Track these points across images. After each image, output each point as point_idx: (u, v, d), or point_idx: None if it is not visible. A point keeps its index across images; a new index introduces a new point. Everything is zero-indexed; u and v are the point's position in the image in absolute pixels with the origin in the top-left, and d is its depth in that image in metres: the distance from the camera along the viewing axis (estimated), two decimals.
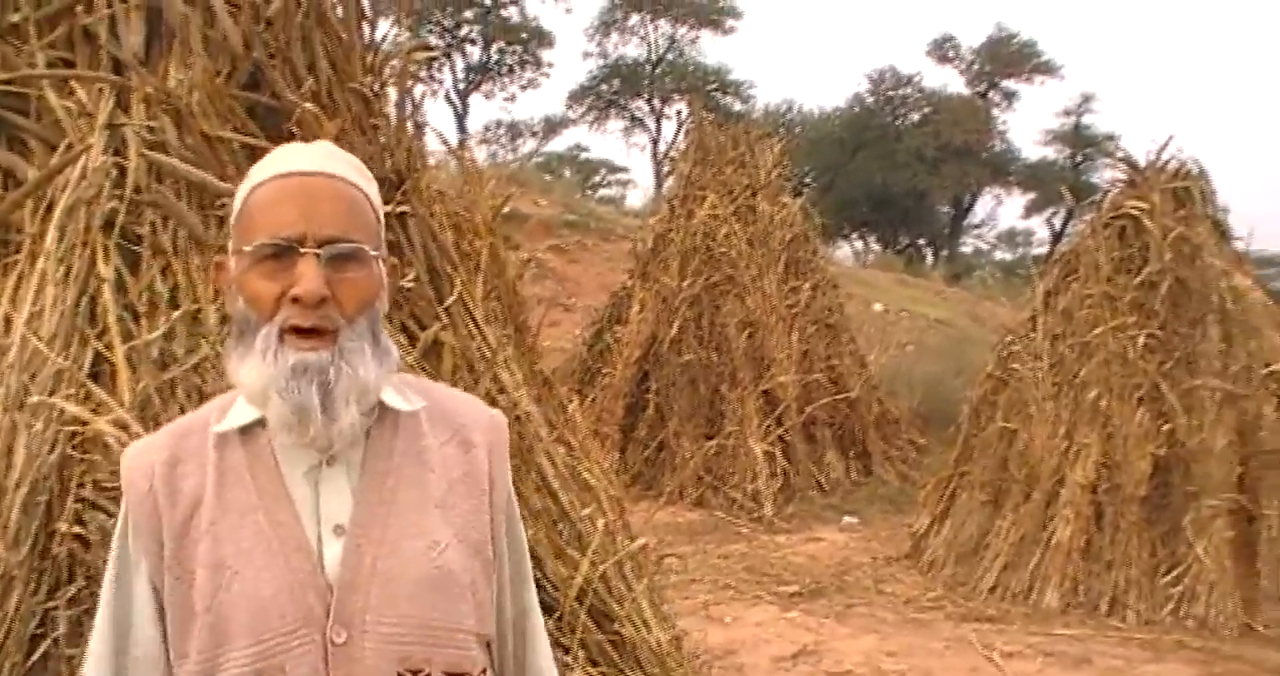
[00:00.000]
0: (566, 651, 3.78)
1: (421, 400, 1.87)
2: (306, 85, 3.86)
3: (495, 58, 46.40)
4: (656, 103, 48.42)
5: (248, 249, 1.72)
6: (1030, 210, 49.28)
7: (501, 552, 1.90)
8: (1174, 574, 9.18)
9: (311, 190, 1.73)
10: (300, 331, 1.69)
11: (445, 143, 4.93)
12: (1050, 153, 48.34)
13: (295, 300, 1.68)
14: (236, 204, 1.81)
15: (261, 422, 1.77)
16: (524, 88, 47.23)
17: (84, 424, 3.17)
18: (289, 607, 1.68)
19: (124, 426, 3.10)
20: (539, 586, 3.66)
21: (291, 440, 1.72)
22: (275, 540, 1.71)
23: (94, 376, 3.28)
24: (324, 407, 1.68)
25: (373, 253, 1.76)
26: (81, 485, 3.16)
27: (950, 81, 55.12)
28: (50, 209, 3.45)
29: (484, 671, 1.82)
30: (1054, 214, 46.56)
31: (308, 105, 3.77)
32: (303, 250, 1.69)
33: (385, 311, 1.83)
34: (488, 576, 1.84)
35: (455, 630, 1.76)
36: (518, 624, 1.96)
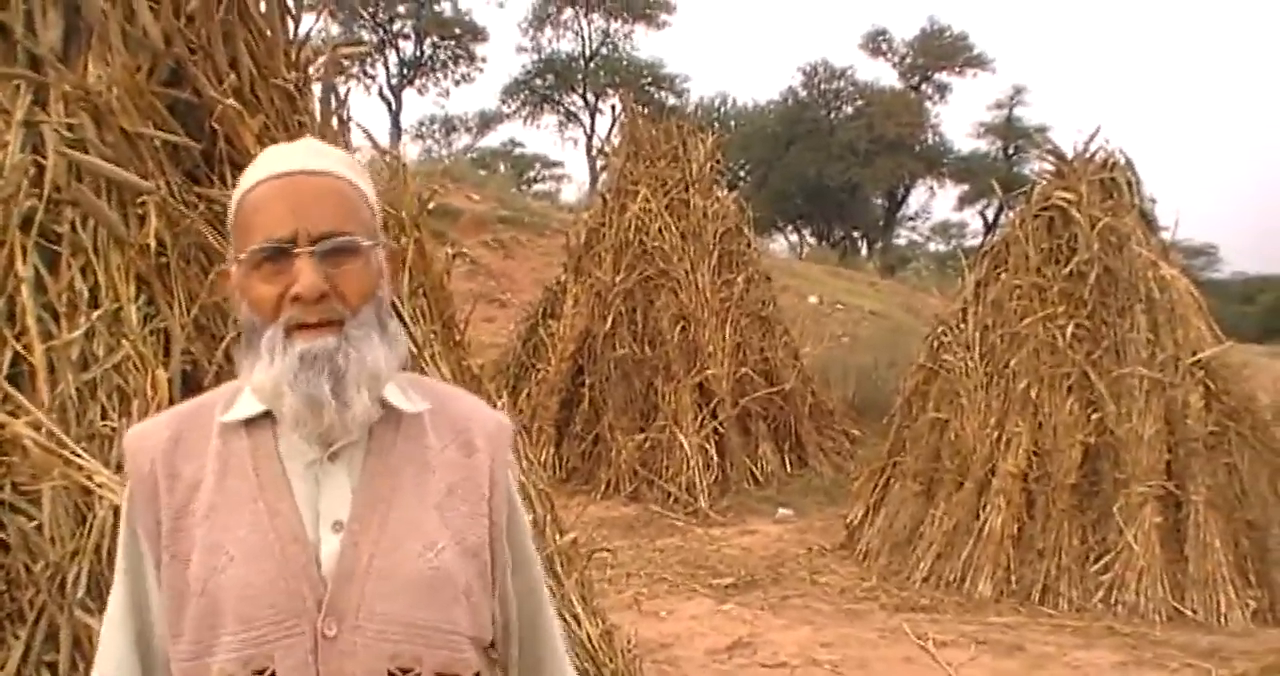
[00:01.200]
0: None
1: (425, 402, 1.88)
2: (228, 81, 3.82)
3: (429, 52, 46.40)
4: (591, 97, 48.50)
5: (244, 255, 1.75)
6: (963, 202, 49.80)
7: (503, 556, 1.90)
8: (1104, 561, 9.30)
9: (300, 189, 1.75)
10: (306, 327, 1.72)
11: (370, 139, 4.90)
12: (983, 145, 48.94)
13: (296, 299, 1.71)
14: (231, 212, 1.84)
15: (267, 415, 1.79)
16: (458, 83, 47.30)
17: (2, 426, 3.13)
18: (281, 597, 1.70)
19: (43, 429, 3.06)
20: None
21: (305, 433, 1.74)
22: (272, 531, 1.73)
23: (12, 378, 3.24)
24: (335, 395, 1.70)
25: (368, 243, 1.78)
26: (0, 488, 3.12)
27: (883, 75, 55.61)
28: None
29: (477, 675, 1.82)
30: (986, 206, 46.97)
31: (230, 102, 3.73)
32: (297, 249, 1.71)
33: (390, 298, 1.86)
34: (484, 580, 1.85)
35: (448, 632, 1.77)
36: (529, 626, 1.98)
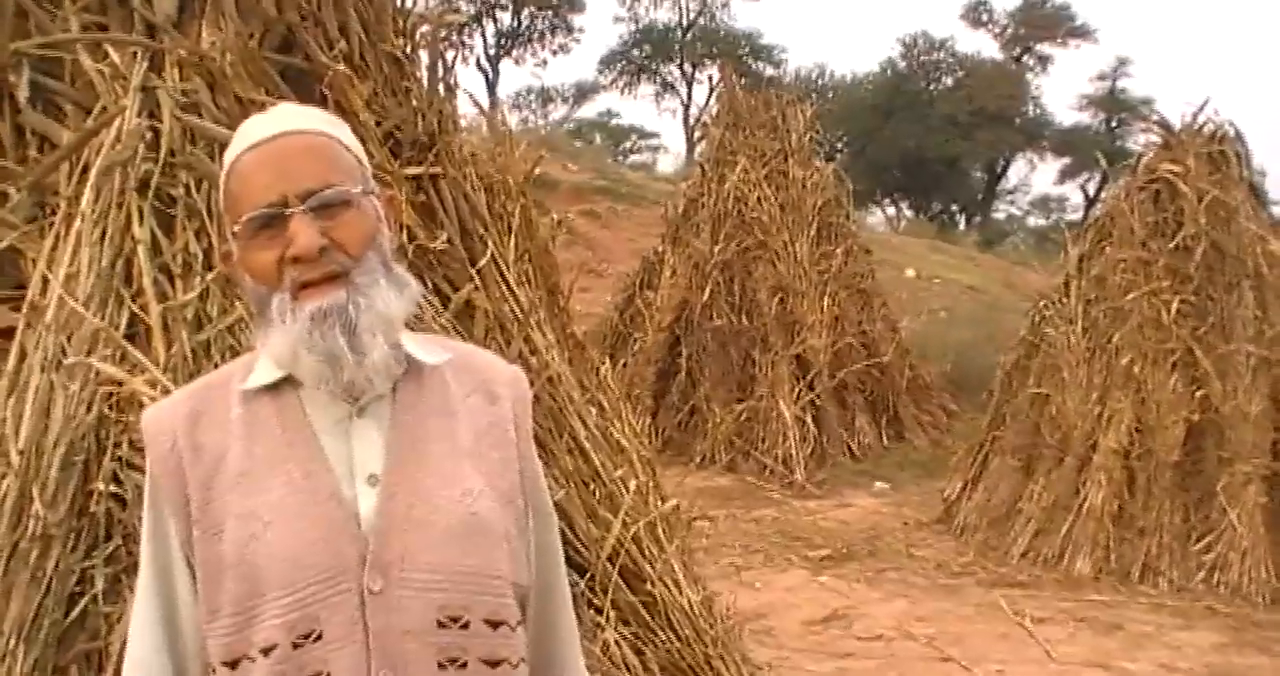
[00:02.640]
0: (599, 611, 3.80)
1: (446, 353, 1.88)
2: (338, 47, 3.86)
3: (526, 23, 46.33)
4: (688, 68, 48.28)
5: (238, 227, 1.74)
6: (1064, 176, 48.91)
7: (534, 503, 1.90)
8: (1206, 540, 9.18)
9: (279, 152, 1.75)
10: (311, 284, 1.71)
11: (477, 105, 4.94)
12: (1085, 117, 47.97)
13: (296, 259, 1.70)
14: (220, 193, 1.84)
15: (288, 379, 1.77)
16: (555, 53, 47.18)
17: (120, 384, 3.19)
18: (323, 556, 1.68)
19: (159, 386, 3.12)
20: (571, 546, 3.69)
21: (327, 390, 1.73)
22: (307, 491, 1.71)
23: (130, 337, 3.30)
24: (351, 347, 1.69)
25: (357, 191, 1.77)
26: (118, 445, 3.18)
27: (984, 46, 54.83)
28: (85, 171, 3.46)
29: (519, 623, 1.81)
30: (1088, 179, 46.20)
31: (339, 67, 3.77)
32: (288, 211, 1.70)
33: (394, 243, 1.84)
34: (520, 525, 1.84)
35: (492, 577, 1.76)
36: (544, 584, 1.94)
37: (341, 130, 1.84)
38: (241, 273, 1.78)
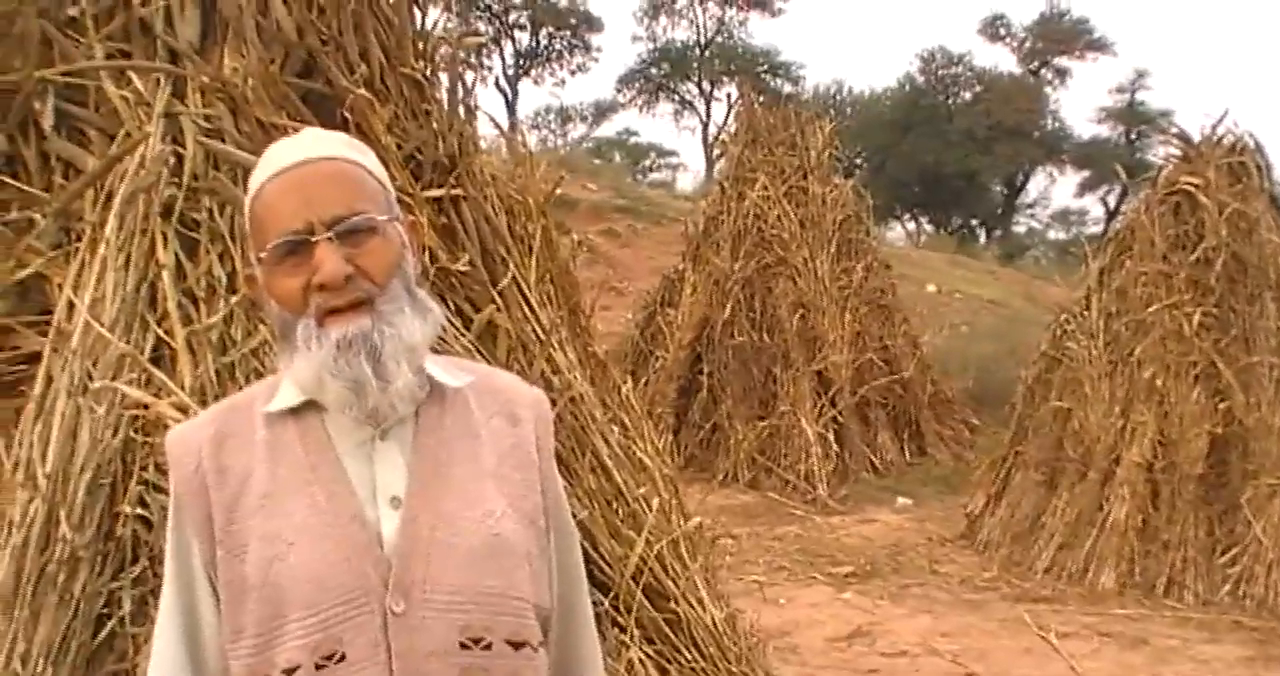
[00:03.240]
0: (623, 630, 3.81)
1: (469, 376, 1.89)
2: (359, 72, 3.89)
3: (544, 43, 46.48)
4: (706, 85, 48.30)
5: (264, 254, 1.75)
6: (1084, 188, 48.72)
7: (556, 525, 1.91)
8: (1231, 554, 9.13)
9: (305, 179, 1.74)
10: (337, 311, 1.71)
11: (497, 126, 4.96)
12: (1104, 130, 47.77)
13: (321, 287, 1.70)
14: (246, 218, 1.84)
15: (311, 403, 1.78)
16: (573, 73, 47.34)
17: (146, 407, 3.22)
18: (346, 578, 1.69)
19: (185, 409, 3.14)
20: (594, 565, 3.70)
21: (352, 416, 1.74)
22: (330, 513, 1.72)
23: (155, 361, 3.33)
24: (377, 374, 1.69)
25: (383, 219, 1.77)
26: (144, 468, 3.21)
27: (1001, 60, 54.81)
28: (110, 197, 3.50)
29: (541, 644, 1.82)
30: (1108, 192, 45.98)
31: (361, 91, 3.80)
32: (313, 238, 1.70)
33: (417, 270, 1.84)
34: (541, 546, 1.85)
35: (514, 598, 1.76)
36: (566, 604, 1.95)
37: (367, 156, 1.85)
38: (266, 297, 1.79)
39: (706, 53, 47.36)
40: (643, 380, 13.58)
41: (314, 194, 1.73)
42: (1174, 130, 11.25)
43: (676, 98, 49.03)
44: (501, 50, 45.13)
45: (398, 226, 1.82)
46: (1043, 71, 48.15)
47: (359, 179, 1.79)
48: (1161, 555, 9.28)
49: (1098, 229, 42.87)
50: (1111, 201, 45.20)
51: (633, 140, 52.69)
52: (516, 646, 1.76)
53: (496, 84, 45.21)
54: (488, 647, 1.72)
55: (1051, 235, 51.65)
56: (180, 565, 1.81)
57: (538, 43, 46.39)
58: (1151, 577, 9.23)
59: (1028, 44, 47.82)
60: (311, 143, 1.83)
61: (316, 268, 1.70)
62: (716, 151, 37.90)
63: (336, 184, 1.76)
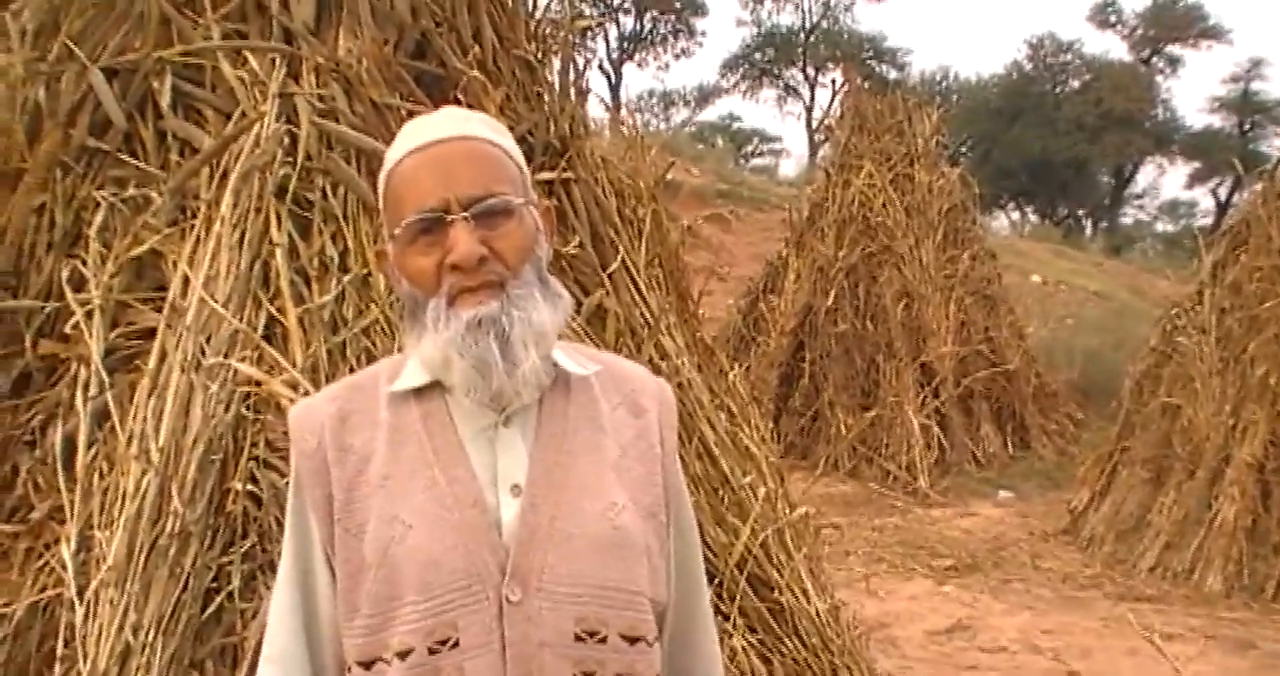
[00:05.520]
0: (726, 618, 3.78)
1: (595, 365, 1.86)
2: (472, 53, 3.89)
3: (649, 27, 46.48)
4: (810, 71, 48.08)
5: (398, 231, 1.73)
6: (1194, 180, 47.85)
7: (673, 519, 1.88)
8: None
9: (445, 156, 1.73)
10: (468, 291, 1.70)
11: (609, 109, 4.94)
12: (1216, 121, 46.90)
13: (455, 267, 1.68)
14: (380, 191, 1.83)
15: (436, 384, 1.77)
16: (677, 57, 47.38)
17: (258, 384, 3.24)
18: (462, 563, 1.67)
19: (296, 387, 3.16)
20: None
21: (476, 398, 1.72)
22: (450, 496, 1.70)
23: (267, 338, 3.35)
24: (504, 355, 1.67)
25: (519, 202, 1.75)
26: (255, 444, 3.23)
27: (1112, 47, 53.91)
28: (225, 176, 3.52)
29: (655, 639, 1.79)
30: (1219, 184, 45.17)
31: (474, 73, 3.80)
32: (450, 217, 1.69)
33: (549, 255, 1.83)
34: (661, 541, 1.82)
35: (632, 592, 1.74)
36: (684, 601, 1.92)
37: (506, 138, 1.83)
38: (397, 275, 1.78)
39: (811, 38, 47.11)
40: (744, 366, 13.53)
41: (452, 173, 1.72)
42: None
43: (780, 83, 48.86)
44: (606, 34, 45.23)
45: (533, 211, 1.80)
46: (1154, 59, 47.34)
47: (498, 160, 1.77)
48: (1271, 557, 9.06)
49: (1207, 221, 42.14)
50: (1222, 194, 44.39)
51: (735, 125, 52.58)
52: (632, 641, 1.73)
53: (600, 67, 45.33)
54: (603, 641, 1.70)
55: (1159, 228, 50.85)
56: (299, 540, 1.81)
57: (642, 26, 46.44)
58: (1260, 580, 9.02)
59: (1139, 31, 47.02)
60: (452, 121, 1.81)
61: (451, 248, 1.69)
62: (820, 137, 37.71)
63: (475, 164, 1.74)
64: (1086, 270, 27.12)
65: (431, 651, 1.67)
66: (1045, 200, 47.44)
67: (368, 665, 1.72)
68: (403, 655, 1.68)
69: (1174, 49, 47.02)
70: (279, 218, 3.48)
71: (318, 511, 1.77)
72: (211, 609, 3.12)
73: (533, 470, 1.74)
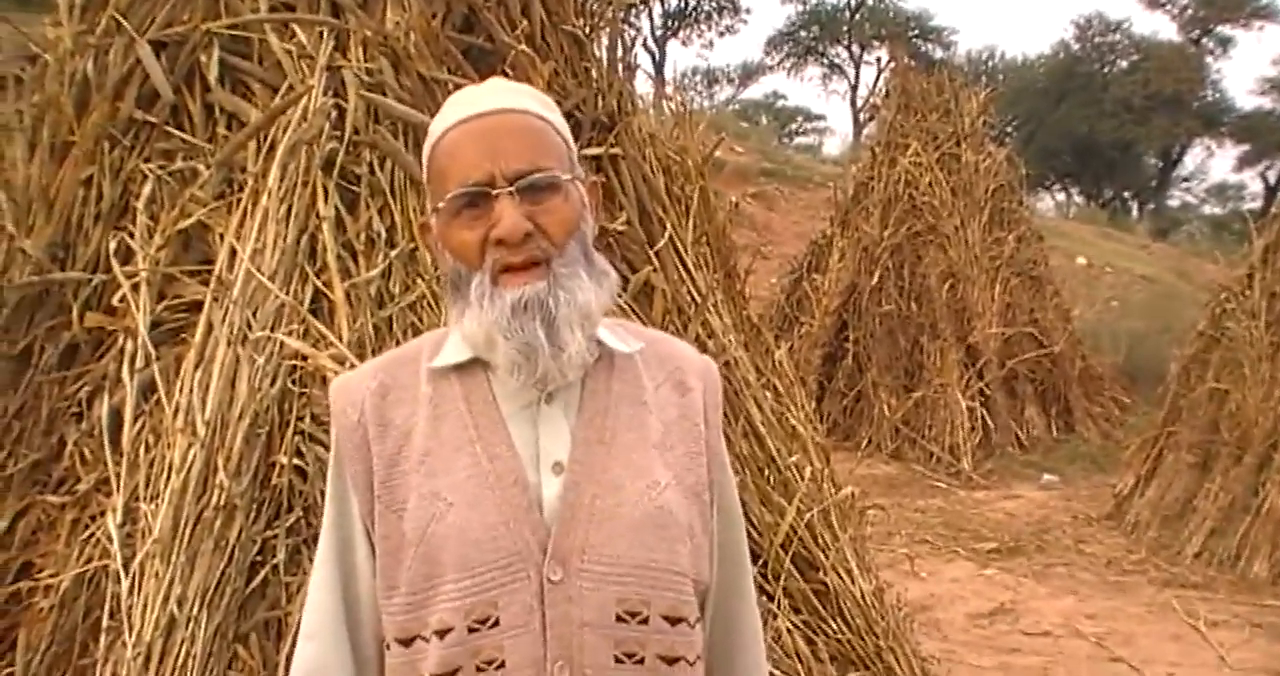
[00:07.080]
0: (770, 598, 3.77)
1: (639, 342, 1.83)
2: (520, 27, 3.87)
3: (693, 4, 46.26)
4: (856, 49, 47.85)
5: (442, 203, 1.71)
6: (1243, 163, 47.36)
7: (716, 499, 1.84)
8: None
9: (491, 129, 1.70)
10: (512, 268, 1.67)
11: (657, 85, 4.92)
12: (1267, 102, 46.31)
13: (499, 242, 1.66)
14: (425, 163, 1.80)
15: (478, 360, 1.74)
16: (721, 34, 47.21)
17: (304, 358, 3.24)
18: (504, 541, 1.65)
19: (343, 361, 3.16)
20: None
21: (521, 380, 1.69)
22: (492, 474, 1.68)
23: (313, 312, 3.35)
24: (549, 339, 1.65)
25: (566, 177, 1.72)
26: (301, 418, 3.23)
27: (1161, 27, 53.43)
28: (272, 149, 3.52)
29: (697, 620, 1.77)
30: (1268, 167, 44.69)
31: (521, 47, 3.78)
32: (495, 191, 1.66)
33: (595, 232, 1.80)
34: (704, 520, 1.79)
35: (674, 572, 1.71)
36: (728, 582, 1.90)
37: (554, 113, 1.80)
38: (440, 248, 1.76)
39: (857, 16, 46.86)
40: (787, 345, 13.46)
41: (499, 145, 1.68)
42: None
43: (825, 61, 48.64)
44: (650, 10, 45.06)
45: (579, 186, 1.77)
46: (1204, 40, 46.80)
47: (545, 134, 1.74)
48: None
49: (1256, 205, 41.69)
50: (1272, 177, 43.90)
51: (780, 103, 52.42)
52: (673, 621, 1.71)
53: (645, 44, 45.20)
54: (644, 621, 1.68)
55: (1207, 210, 50.34)
56: (339, 515, 1.80)
57: (686, 3, 46.23)
58: None
59: (1189, 11, 46.49)
60: (500, 93, 1.78)
61: (495, 221, 1.66)
62: (865, 116, 37.52)
63: (522, 137, 1.71)
64: (1133, 252, 26.92)
65: (471, 630, 1.65)
66: (1091, 181, 47.09)
67: (407, 642, 1.70)
68: (442, 633, 1.66)
69: (1225, 29, 46.49)
70: (326, 191, 3.48)
71: (358, 486, 1.75)
72: (256, 582, 3.14)
73: (575, 448, 1.72)
